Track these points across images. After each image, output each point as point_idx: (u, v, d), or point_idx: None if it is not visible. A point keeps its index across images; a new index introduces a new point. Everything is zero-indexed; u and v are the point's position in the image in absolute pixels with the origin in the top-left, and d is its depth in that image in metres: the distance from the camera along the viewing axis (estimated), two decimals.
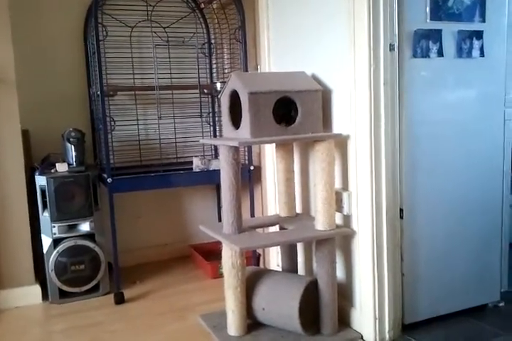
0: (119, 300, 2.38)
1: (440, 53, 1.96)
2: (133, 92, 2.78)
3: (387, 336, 1.93)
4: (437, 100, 1.97)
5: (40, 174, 2.39)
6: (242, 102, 1.85)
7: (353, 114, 1.90)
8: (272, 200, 2.55)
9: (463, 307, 2.12)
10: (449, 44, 1.97)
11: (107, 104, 2.50)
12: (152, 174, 2.50)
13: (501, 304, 2.20)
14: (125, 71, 2.74)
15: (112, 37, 2.62)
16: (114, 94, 2.62)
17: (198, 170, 2.61)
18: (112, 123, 2.56)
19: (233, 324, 1.93)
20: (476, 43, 2.03)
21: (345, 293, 2.05)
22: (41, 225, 2.41)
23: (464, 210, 2.08)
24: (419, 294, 2.02)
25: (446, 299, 2.09)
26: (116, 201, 2.45)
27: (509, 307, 2.19)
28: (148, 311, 2.30)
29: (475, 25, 2.02)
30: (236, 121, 1.93)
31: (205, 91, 2.90)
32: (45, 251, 2.40)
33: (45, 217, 2.40)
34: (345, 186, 2.00)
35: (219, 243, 1.94)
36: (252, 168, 2.62)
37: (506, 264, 2.23)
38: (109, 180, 2.37)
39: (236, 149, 1.87)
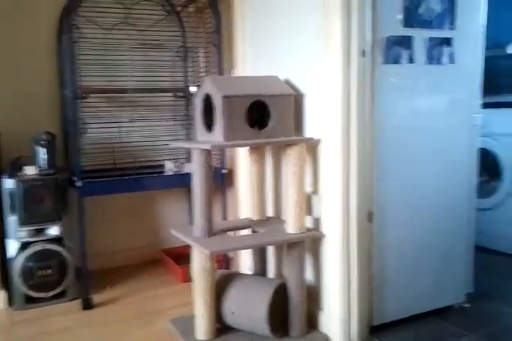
0: (87, 305, 2.34)
1: (411, 60, 2.00)
2: (107, 95, 2.75)
3: (354, 338, 1.94)
4: (408, 106, 2.00)
5: (8, 177, 2.34)
6: (215, 106, 1.84)
7: (324, 118, 1.92)
8: (244, 203, 2.54)
9: (430, 308, 2.15)
10: (420, 51, 2.00)
11: (80, 106, 2.46)
12: (124, 177, 2.46)
13: (466, 305, 2.24)
14: (99, 73, 2.71)
15: (87, 39, 2.59)
16: (86, 97, 2.59)
17: (170, 174, 2.59)
18: (84, 125, 2.52)
19: (202, 328, 1.91)
20: (446, 50, 2.07)
21: (314, 296, 2.05)
22: (8, 229, 2.35)
23: (432, 214, 2.11)
24: (387, 296, 2.04)
25: (414, 300, 2.11)
26: (88, 204, 2.41)
27: (474, 308, 2.23)
28: (117, 316, 2.26)
29: (445, 33, 2.06)
30: (210, 125, 1.92)
31: (180, 94, 2.88)
32: (11, 255, 2.34)
33: (11, 220, 2.34)
34: (316, 189, 2.01)
35: (190, 246, 1.92)
36: (225, 171, 2.62)
37: (471, 266, 2.27)
38: (78, 184, 2.32)
39: (208, 152, 1.86)
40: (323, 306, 2.01)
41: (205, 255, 1.84)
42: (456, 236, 2.19)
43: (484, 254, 2.89)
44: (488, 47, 2.33)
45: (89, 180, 2.38)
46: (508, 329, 2.01)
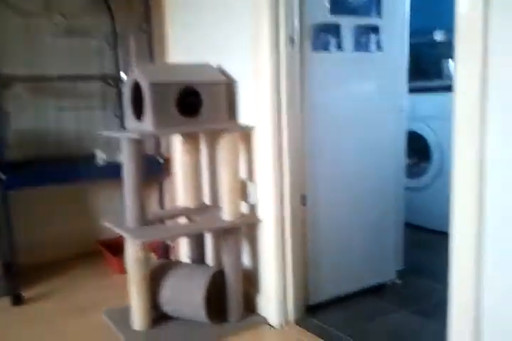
0: (17, 301, 2.25)
1: (339, 47, 2.03)
2: (32, 83, 2.63)
3: (291, 318, 1.99)
4: (337, 92, 2.04)
5: None
6: (144, 93, 1.80)
7: (257, 105, 1.92)
8: (181, 192, 2.52)
9: (363, 286, 2.24)
10: (347, 38, 2.04)
11: (1, 95, 2.34)
12: (52, 169, 2.37)
13: (398, 281, 2.34)
14: (23, 61, 2.58)
15: (8, 25, 2.45)
16: (9, 85, 2.46)
17: (102, 164, 2.52)
18: (7, 115, 2.40)
19: (138, 318, 1.89)
20: (373, 37, 2.12)
21: (251, 280, 2.08)
22: None
23: (362, 194, 2.18)
24: (322, 276, 2.10)
25: (348, 280, 2.19)
26: (18, 196, 2.31)
27: (405, 285, 2.33)
28: (50, 311, 2.19)
29: (372, 20, 2.10)
30: (140, 113, 1.88)
31: (110, 82, 2.80)
32: None
33: None
34: (251, 176, 2.02)
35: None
36: (161, 160, 2.58)
37: (401, 244, 2.38)
38: (2, 177, 2.21)
39: (138, 141, 1.82)
40: (261, 289, 2.05)
41: (137, 245, 1.81)
42: (386, 215, 2.27)
43: (416, 232, 3.03)
44: (416, 34, 2.41)
45: (14, 172, 2.27)
46: (437, 305, 2.11)
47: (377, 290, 2.25)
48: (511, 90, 1.16)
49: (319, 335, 1.88)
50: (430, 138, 3.12)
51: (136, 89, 1.87)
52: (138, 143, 1.83)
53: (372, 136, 2.17)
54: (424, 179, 3.18)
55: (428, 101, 3.11)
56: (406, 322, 1.99)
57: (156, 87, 1.78)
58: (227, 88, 1.98)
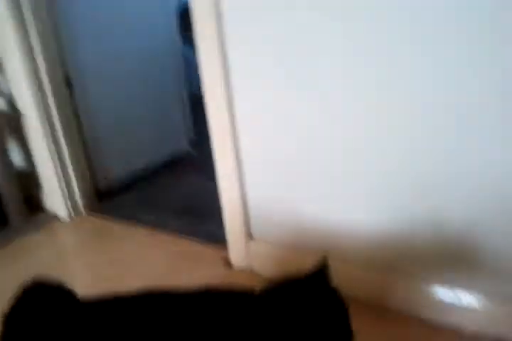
0: None
1: None
2: None
3: (81, 209, 1.90)
4: None
5: None
6: None
7: None
8: None
9: (158, 162, 2.20)
10: None
11: None
12: None
13: (192, 151, 2.36)
14: None
15: None
16: None
17: None
18: None
19: None
20: None
21: (32, 179, 1.90)
22: None
23: (139, 70, 2.04)
24: (112, 160, 2.01)
25: (141, 159, 2.12)
26: None
27: (199, 153, 2.34)
28: None
29: None
30: None
31: None
32: None
33: None
34: None
35: None
36: None
37: (189, 114, 2.34)
38: None
39: None
40: (43, 186, 1.89)
41: None
42: (167, 88, 2.19)
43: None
44: None
45: None
46: None
47: (172, 163, 2.25)
48: None
49: (113, 220, 1.83)
50: None
51: None
52: None
53: (139, 4, 1.97)
54: None
55: None
56: (202, 188, 1.99)
57: None
58: None
